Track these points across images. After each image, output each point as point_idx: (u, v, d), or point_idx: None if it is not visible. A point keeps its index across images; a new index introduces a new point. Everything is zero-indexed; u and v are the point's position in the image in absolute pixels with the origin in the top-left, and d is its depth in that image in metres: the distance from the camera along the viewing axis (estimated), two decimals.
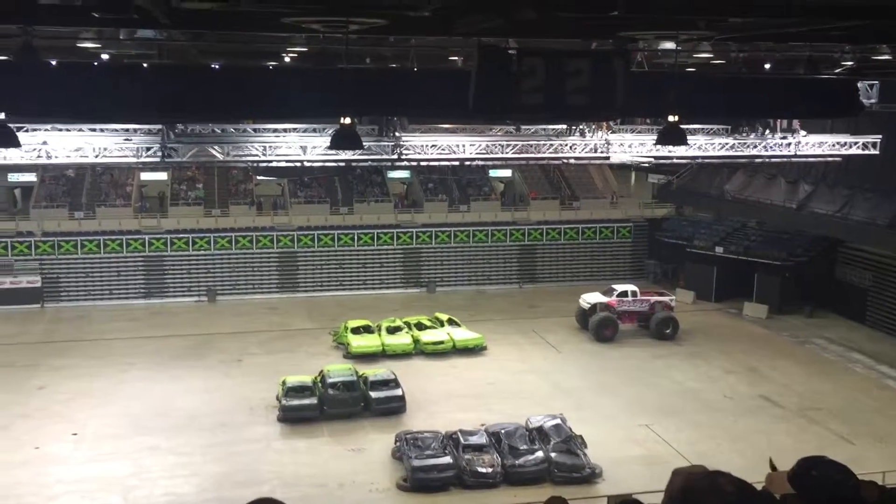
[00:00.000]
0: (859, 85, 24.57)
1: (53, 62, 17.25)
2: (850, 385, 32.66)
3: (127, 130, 26.50)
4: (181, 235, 44.22)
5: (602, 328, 36.92)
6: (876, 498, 3.25)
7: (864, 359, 35.66)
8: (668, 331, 37.40)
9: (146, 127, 26.17)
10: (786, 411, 29.79)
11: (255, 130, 28.24)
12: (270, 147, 27.78)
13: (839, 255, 42.50)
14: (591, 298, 38.24)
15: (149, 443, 26.32)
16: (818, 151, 33.26)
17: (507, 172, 49.30)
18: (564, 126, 31.11)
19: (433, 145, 29.67)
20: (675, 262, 47.03)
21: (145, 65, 19.82)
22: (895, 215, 37.60)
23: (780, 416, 29.43)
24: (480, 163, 35.09)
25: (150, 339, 37.12)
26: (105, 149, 26.49)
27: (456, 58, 21.66)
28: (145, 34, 18.62)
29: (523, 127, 31.52)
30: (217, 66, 20.51)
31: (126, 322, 39.81)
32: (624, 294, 38.01)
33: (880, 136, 33.50)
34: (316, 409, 28.30)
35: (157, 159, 26.95)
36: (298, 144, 28.26)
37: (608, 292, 38.38)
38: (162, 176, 45.33)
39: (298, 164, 30.10)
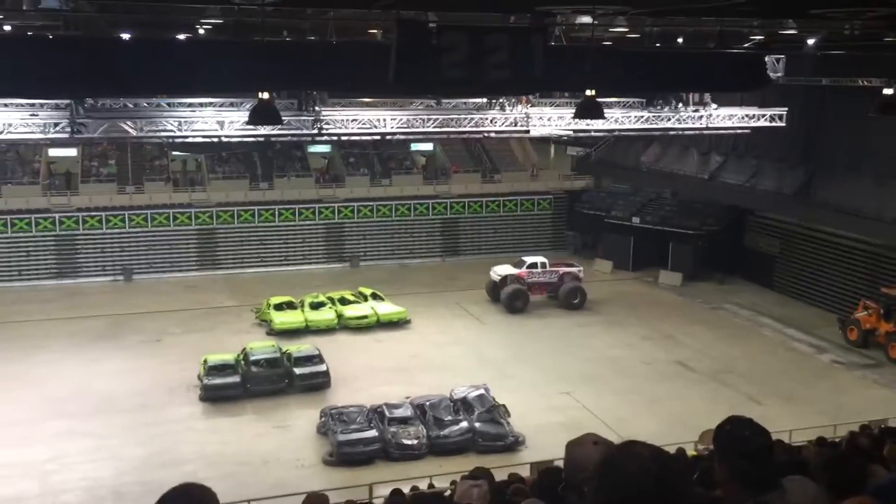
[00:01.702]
0: (768, 59, 25.43)
1: None
2: (760, 348, 34.11)
3: (33, 105, 25.41)
4: (94, 213, 42.80)
5: (513, 300, 37.47)
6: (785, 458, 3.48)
7: (773, 323, 37.25)
8: (575, 301, 38.22)
9: (53, 101, 25.15)
10: (700, 375, 30.94)
11: (169, 105, 27.44)
12: (186, 122, 27.08)
13: (748, 224, 44.11)
14: (501, 271, 38.77)
15: (65, 426, 25.63)
16: (728, 124, 34.28)
17: (428, 146, 49.30)
18: (485, 100, 31.26)
19: (354, 119, 29.42)
20: (594, 233, 47.99)
21: (50, 36, 19.04)
22: (801, 185, 39.25)
23: (694, 380, 30.56)
24: (402, 137, 34.93)
25: (64, 321, 35.98)
26: (10, 125, 25.34)
27: (375, 31, 21.51)
28: (50, 4, 17.87)
29: (444, 101, 31.52)
30: (127, 38, 19.86)
31: (37, 304, 38.43)
32: (534, 266, 38.71)
33: (786, 109, 34.76)
34: (239, 387, 28.01)
35: (66, 135, 25.93)
36: (215, 119, 27.62)
37: (518, 264, 39.01)
38: (72, 152, 43.67)
39: (216, 140, 29.41)
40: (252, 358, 28.96)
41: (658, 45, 23.87)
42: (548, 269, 38.87)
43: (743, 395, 28.60)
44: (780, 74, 28.06)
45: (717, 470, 3.48)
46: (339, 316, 35.49)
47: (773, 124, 34.83)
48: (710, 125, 33.67)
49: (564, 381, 29.57)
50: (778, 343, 34.95)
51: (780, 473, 3.49)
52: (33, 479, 22.65)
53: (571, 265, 40.08)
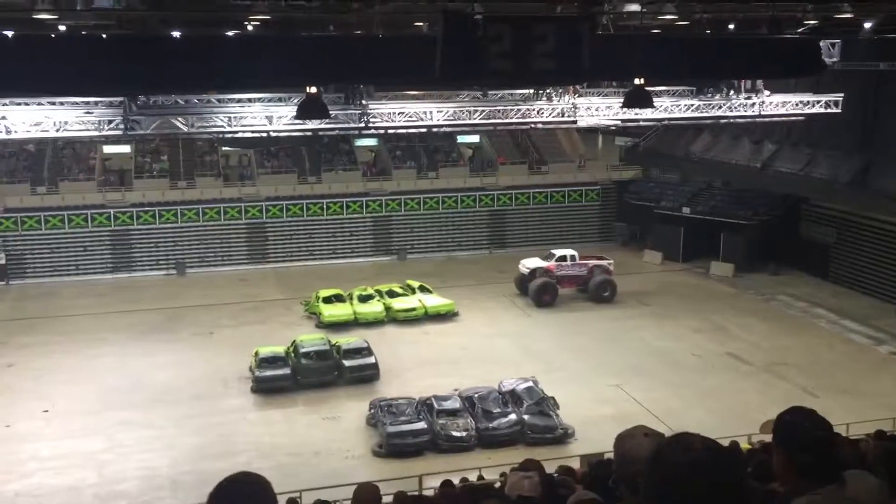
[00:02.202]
0: (821, 44, 24.80)
1: (9, 34, 16.87)
2: (814, 340, 33.40)
3: (87, 103, 25.94)
4: (147, 208, 43.67)
5: (542, 293, 37.04)
6: (850, 454, 3.39)
7: (828, 314, 36.43)
8: (606, 294, 37.70)
9: (107, 99, 25.67)
10: (752, 367, 30.41)
11: (219, 101, 27.81)
12: (235, 117, 27.43)
13: (803, 213, 43.16)
14: (530, 264, 38.37)
15: (121, 417, 26.25)
16: (781, 111, 33.51)
17: (474, 138, 49.18)
18: (532, 91, 31.04)
19: (400, 112, 29.48)
20: (643, 224, 47.43)
21: (104, 35, 19.43)
22: (857, 172, 38.23)
23: (747, 372, 30.05)
24: (448, 129, 34.90)
25: (120, 314, 36.81)
26: (66, 122, 25.94)
27: (420, 24, 21.50)
28: (103, 3, 18.23)
29: (490, 92, 31.40)
30: (178, 36, 20.17)
31: (94, 297, 39.39)
32: (563, 259, 38.23)
33: (842, 95, 33.86)
34: (289, 379, 28.37)
35: (120, 132, 26.45)
36: (264, 114, 27.93)
37: (548, 257, 38.54)
38: (125, 149, 44.61)
39: (264, 135, 29.75)
40: (302, 350, 29.27)
41: (708, 31, 23.44)
42: (577, 261, 38.36)
43: (797, 388, 28.04)
44: (835, 59, 27.34)
45: (774, 461, 3.41)
46: (388, 308, 35.67)
47: (829, 111, 33.94)
48: (762, 112, 32.92)
49: (614, 373, 29.32)
50: (833, 335, 34.18)
51: (839, 466, 3.40)
52: (91, 469, 23.25)
53: (602, 258, 39.56)
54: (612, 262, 39.28)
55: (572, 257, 38.47)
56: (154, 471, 23.19)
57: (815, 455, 3.25)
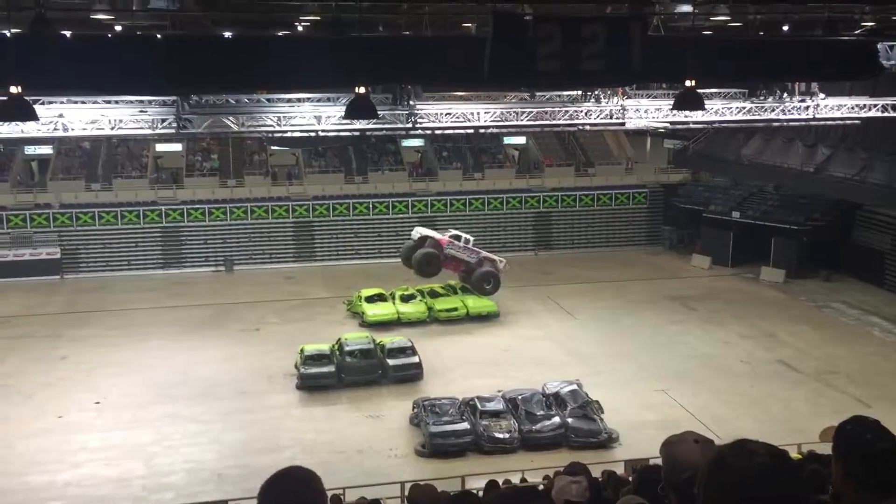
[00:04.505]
0: (881, 46, 24.17)
1: (67, 34, 17.27)
2: (868, 349, 32.59)
3: (142, 102, 26.45)
4: (197, 206, 44.42)
5: (425, 264, 35.79)
6: None
7: (882, 322, 35.55)
8: (488, 286, 36.16)
9: (161, 98, 26.15)
10: (803, 376, 29.80)
11: (268, 100, 28.15)
12: (284, 117, 27.72)
13: (857, 219, 42.17)
14: (424, 231, 37.19)
15: (170, 411, 26.71)
16: (836, 114, 32.74)
17: (521, 139, 49.02)
18: (579, 92, 30.82)
19: (447, 113, 29.49)
20: (691, 228, 46.81)
21: (159, 36, 19.78)
22: None
23: (797, 380, 29.45)
24: (495, 130, 34.81)
25: (169, 309, 37.47)
26: (120, 121, 26.47)
27: (469, 24, 21.50)
28: (158, 4, 18.59)
29: (538, 94, 31.25)
30: (230, 36, 20.45)
31: (145, 292, 40.16)
32: (457, 238, 37.07)
33: None
34: (334, 376, 28.58)
35: (173, 131, 26.92)
36: (313, 114, 28.16)
37: (444, 232, 37.41)
38: (177, 147, 45.42)
39: (313, 134, 30.01)
40: (347, 348, 29.48)
41: (762, 33, 23.04)
42: (470, 247, 37.13)
43: (850, 398, 27.40)
44: (893, 62, 26.63)
45: (834, 471, 3.31)
46: (430, 308, 35.75)
47: (886, 115, 33.08)
48: (816, 116, 32.21)
49: (659, 378, 28.97)
50: (888, 343, 33.32)
51: None
52: (139, 461, 23.69)
53: (497, 256, 38.19)
54: (506, 261, 38.10)
55: (466, 241, 37.30)
56: (200, 464, 23.54)
57: (876, 467, 3.16)
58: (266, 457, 22.80)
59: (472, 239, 38.23)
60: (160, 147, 45.33)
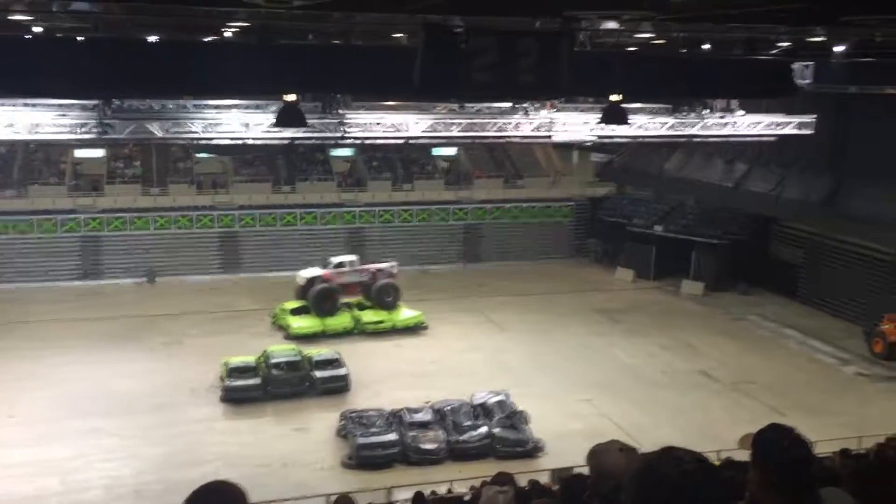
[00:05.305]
0: (796, 66, 25.16)
1: None
2: (783, 359, 33.73)
3: (61, 106, 25.66)
4: (118, 215, 43.19)
5: (321, 301, 35.62)
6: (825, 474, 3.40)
7: (796, 334, 36.82)
8: (389, 299, 36.34)
9: (81, 102, 25.39)
10: (722, 386, 30.64)
11: (195, 107, 27.63)
12: (211, 124, 27.26)
13: (773, 233, 43.65)
14: (307, 273, 37.05)
15: (87, 425, 25.83)
16: (754, 131, 33.95)
17: (451, 151, 49.24)
18: (509, 104, 31.18)
19: (378, 123, 29.47)
20: (616, 241, 47.68)
21: (80, 38, 19.20)
22: (827, 194, 38.77)
23: (716, 390, 30.26)
24: (425, 141, 34.93)
25: (88, 322, 36.27)
26: (38, 125, 25.64)
27: (400, 35, 21.50)
28: (79, 6, 18.04)
29: (468, 105, 31.49)
30: (156, 41, 20.01)
31: (63, 304, 38.77)
32: (341, 265, 37.18)
33: (814, 117, 34.36)
34: (260, 389, 28.13)
35: (94, 136, 26.19)
36: (240, 122, 27.79)
37: (325, 265, 37.43)
38: (98, 153, 44.05)
39: (240, 142, 29.57)
40: (273, 361, 29.05)
41: (684, 50, 23.69)
42: (357, 267, 37.26)
43: (766, 407, 28.27)
44: (808, 81, 27.74)
45: (751, 478, 3.41)
46: (356, 320, 35.49)
47: (801, 132, 34.43)
48: (735, 132, 33.34)
49: (584, 388, 29.40)
50: (801, 354, 34.56)
51: (816, 484, 3.41)
52: (54, 477, 22.85)
53: (384, 262, 38.38)
54: (395, 264, 38.27)
55: (351, 263, 37.44)
56: (118, 480, 22.84)
57: (792, 473, 3.26)
58: (188, 471, 22.24)
59: (356, 258, 38.11)
60: (80, 153, 43.89)
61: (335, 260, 37.61)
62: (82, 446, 24.56)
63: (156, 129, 26.40)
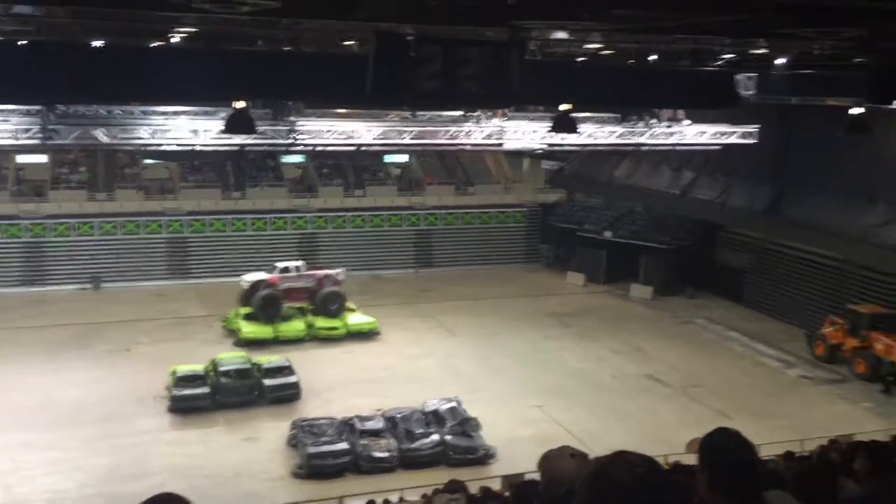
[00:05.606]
0: (740, 77, 25.72)
1: None
2: (729, 363, 34.40)
3: (3, 111, 25.03)
4: (63, 221, 42.28)
5: (266, 307, 35.20)
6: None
7: (741, 337, 37.59)
8: (333, 307, 36.00)
9: (24, 108, 24.79)
10: (670, 389, 31.11)
11: (143, 112, 27.16)
12: (159, 130, 26.84)
13: (719, 239, 44.58)
14: (251, 278, 36.78)
15: (29, 437, 25.16)
16: (700, 140, 34.62)
17: (403, 158, 49.28)
18: (461, 112, 31.30)
19: (329, 130, 29.33)
20: (567, 246, 48.21)
21: (22, 42, 18.76)
22: (770, 201, 39.72)
23: (664, 394, 30.72)
24: (377, 148, 34.86)
25: (30, 330, 35.37)
26: None
27: (351, 42, 21.45)
28: (22, 10, 17.63)
29: (419, 113, 31.53)
30: (101, 45, 19.64)
31: (4, 312, 37.72)
32: (287, 270, 36.87)
33: (758, 126, 35.17)
34: (208, 398, 27.73)
35: (37, 141, 25.56)
36: (189, 128, 27.40)
37: (271, 270, 37.20)
38: (42, 159, 43.06)
39: (189, 148, 29.15)
40: (221, 369, 28.67)
41: (632, 61, 24.06)
42: (304, 273, 36.93)
43: (712, 410, 28.78)
44: (752, 92, 28.39)
45: (698, 480, 3.49)
46: (309, 326, 35.25)
47: (745, 141, 35.21)
48: (681, 141, 33.96)
49: (535, 394, 29.59)
50: (746, 357, 35.27)
51: (761, 487, 3.51)
52: None
53: (332, 269, 38.19)
54: (342, 271, 38.05)
55: (297, 268, 37.10)
56: (61, 494, 22.29)
57: (739, 476, 3.35)
58: (134, 484, 21.81)
59: (302, 263, 37.70)
60: (22, 158, 42.89)
61: (281, 265, 37.21)
62: (23, 459, 23.90)
63: (102, 135, 25.88)
